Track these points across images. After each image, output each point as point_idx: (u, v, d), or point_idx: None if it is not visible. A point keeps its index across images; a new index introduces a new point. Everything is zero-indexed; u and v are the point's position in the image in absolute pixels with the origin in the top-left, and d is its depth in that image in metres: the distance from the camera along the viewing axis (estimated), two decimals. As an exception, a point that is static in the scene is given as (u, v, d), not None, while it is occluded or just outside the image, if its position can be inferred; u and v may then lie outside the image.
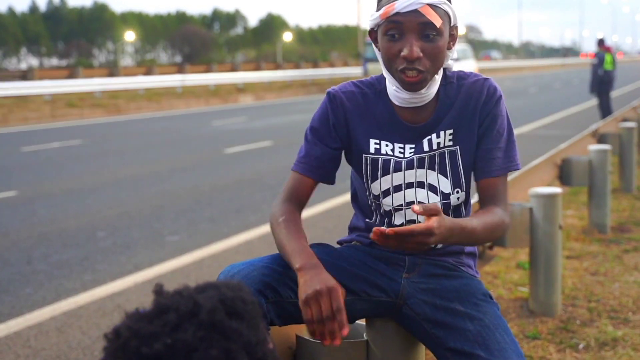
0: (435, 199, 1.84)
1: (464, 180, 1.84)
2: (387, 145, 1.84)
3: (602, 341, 3.50)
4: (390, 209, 1.87)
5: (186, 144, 13.65)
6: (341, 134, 1.87)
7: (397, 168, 1.84)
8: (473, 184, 1.91)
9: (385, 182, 1.85)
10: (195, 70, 41.31)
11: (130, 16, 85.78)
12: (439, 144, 1.82)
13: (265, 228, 6.43)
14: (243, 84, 32.49)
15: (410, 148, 1.83)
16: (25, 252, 5.81)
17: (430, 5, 1.67)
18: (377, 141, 1.84)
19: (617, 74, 14.30)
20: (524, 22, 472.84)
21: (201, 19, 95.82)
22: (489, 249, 3.66)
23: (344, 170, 1.95)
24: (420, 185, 1.84)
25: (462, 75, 1.86)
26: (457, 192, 1.85)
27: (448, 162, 1.83)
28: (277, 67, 48.58)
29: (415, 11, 1.66)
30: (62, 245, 5.96)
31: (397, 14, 1.68)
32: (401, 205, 1.86)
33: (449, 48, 1.79)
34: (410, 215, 1.85)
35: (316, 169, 1.86)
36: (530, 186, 4.24)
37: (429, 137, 1.82)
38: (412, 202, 1.84)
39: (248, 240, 6.04)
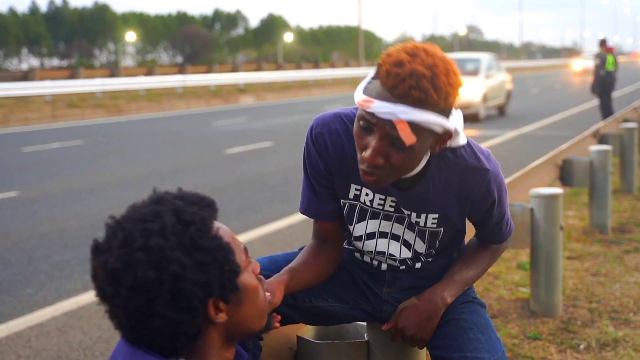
0: (407, 254, 1.82)
1: (440, 245, 1.83)
2: (367, 195, 1.75)
3: (603, 342, 3.50)
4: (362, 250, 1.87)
5: (187, 145, 13.65)
6: (330, 173, 1.77)
7: (374, 216, 1.77)
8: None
9: (359, 229, 1.80)
10: (196, 71, 41.33)
11: (131, 17, 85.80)
12: (418, 222, 1.75)
13: (265, 229, 6.43)
14: (244, 85, 32.48)
15: (392, 201, 1.73)
16: (26, 252, 5.82)
17: (409, 122, 1.46)
18: (358, 187, 1.74)
19: (618, 75, 14.29)
20: (524, 23, 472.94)
21: (202, 19, 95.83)
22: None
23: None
24: (395, 238, 1.80)
25: (461, 154, 1.66)
26: (431, 252, 1.84)
27: (428, 236, 1.79)
28: (278, 67, 48.63)
29: (390, 121, 1.47)
30: (62, 246, 5.96)
31: (374, 113, 1.48)
32: (371, 251, 1.84)
33: (434, 151, 1.60)
34: (381, 247, 1.82)
35: (314, 210, 1.81)
36: (531, 187, 4.24)
37: (409, 212, 1.74)
38: (383, 253, 1.82)
39: (248, 240, 6.03)
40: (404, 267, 1.86)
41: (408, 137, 1.47)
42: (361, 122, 1.53)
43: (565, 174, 5.55)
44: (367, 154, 1.52)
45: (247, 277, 1.33)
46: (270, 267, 1.81)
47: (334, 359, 1.92)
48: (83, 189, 8.77)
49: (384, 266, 1.87)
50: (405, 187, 1.69)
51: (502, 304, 4.07)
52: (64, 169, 10.68)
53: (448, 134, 1.55)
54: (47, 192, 8.63)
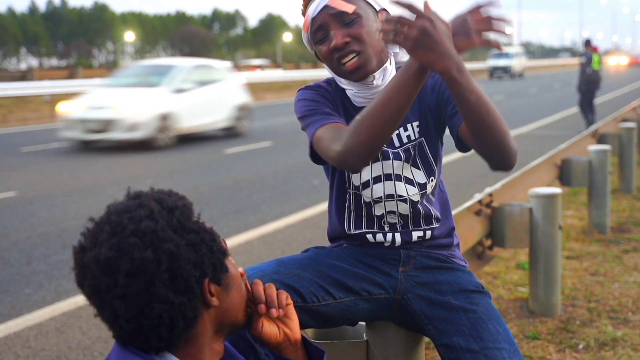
0: (413, 191, 1.87)
1: (435, 167, 1.88)
2: None
3: (601, 341, 3.50)
4: (370, 201, 1.88)
5: (186, 144, 13.64)
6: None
7: (375, 158, 1.85)
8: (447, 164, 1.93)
9: (365, 173, 1.86)
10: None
11: (130, 16, 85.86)
12: (409, 137, 1.85)
13: (265, 228, 6.42)
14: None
15: None
16: (25, 252, 5.81)
17: None
18: None
19: (602, 74, 14.41)
20: (523, 23, 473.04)
21: (201, 19, 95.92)
22: (489, 249, 3.66)
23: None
24: (398, 178, 1.87)
25: None
26: (432, 180, 1.89)
27: (417, 155, 1.86)
28: (277, 67, 48.63)
29: (326, 7, 1.75)
30: (62, 246, 5.95)
31: (313, 18, 1.76)
32: (380, 197, 1.87)
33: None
34: (391, 207, 1.87)
35: (332, 118, 1.78)
36: (530, 186, 4.25)
37: (397, 131, 1.84)
38: (392, 195, 1.86)
39: (248, 240, 6.03)
40: (417, 236, 1.88)
41: (344, 7, 1.73)
42: (318, 38, 1.78)
43: (564, 173, 5.56)
44: (333, 41, 1.73)
45: (230, 265, 1.37)
46: (279, 270, 1.81)
47: (333, 359, 1.92)
48: (82, 189, 8.77)
49: (397, 239, 1.87)
50: None
51: (501, 304, 4.07)
52: (62, 169, 10.67)
53: (386, 12, 1.76)
54: (46, 192, 8.62)
